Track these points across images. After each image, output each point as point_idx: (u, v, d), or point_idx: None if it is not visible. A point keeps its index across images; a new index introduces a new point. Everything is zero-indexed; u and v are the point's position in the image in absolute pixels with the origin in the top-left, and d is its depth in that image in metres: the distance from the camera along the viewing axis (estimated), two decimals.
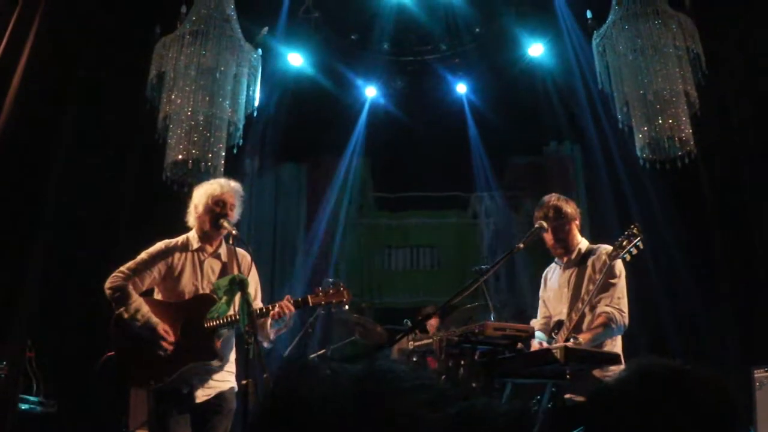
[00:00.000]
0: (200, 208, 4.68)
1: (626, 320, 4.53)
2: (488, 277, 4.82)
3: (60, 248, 7.18)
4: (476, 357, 4.21)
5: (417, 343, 4.60)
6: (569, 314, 4.56)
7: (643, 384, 1.56)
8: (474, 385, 4.13)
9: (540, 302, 5.13)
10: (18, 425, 6.46)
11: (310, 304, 4.70)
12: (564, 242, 4.83)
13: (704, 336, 7.76)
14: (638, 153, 6.86)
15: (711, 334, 7.71)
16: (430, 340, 4.40)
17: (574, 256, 4.84)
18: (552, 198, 4.91)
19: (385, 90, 10.51)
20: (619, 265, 4.64)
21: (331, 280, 6.94)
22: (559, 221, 4.79)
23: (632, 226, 4.54)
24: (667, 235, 8.06)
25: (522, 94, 10.12)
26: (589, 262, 4.71)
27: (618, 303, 4.54)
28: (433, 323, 7.79)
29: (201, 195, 4.72)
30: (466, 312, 7.17)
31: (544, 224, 4.76)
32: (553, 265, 5.10)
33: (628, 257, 4.54)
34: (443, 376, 4.19)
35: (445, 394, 0.97)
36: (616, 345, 4.59)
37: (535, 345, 4.63)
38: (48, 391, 6.88)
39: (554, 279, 5.00)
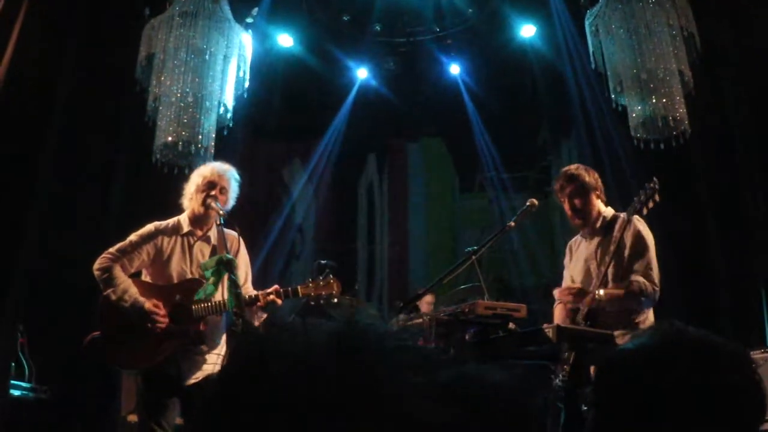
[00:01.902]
0: (192, 190, 4.66)
1: (657, 294, 4.41)
2: (480, 257, 4.73)
3: (51, 233, 7.13)
4: (467, 337, 4.18)
5: (407, 324, 4.58)
6: (596, 284, 4.44)
7: (671, 350, 1.47)
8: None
9: (565, 272, 5.02)
10: (10, 411, 6.44)
11: (300, 295, 4.67)
12: (580, 212, 4.68)
13: (699, 317, 7.73)
14: (632, 132, 6.83)
15: (706, 316, 7.68)
16: (421, 320, 4.37)
17: (598, 225, 4.69)
18: (569, 168, 4.81)
19: (376, 71, 10.43)
20: (648, 234, 4.55)
21: (324, 261, 6.94)
22: (574, 190, 4.66)
23: (653, 182, 4.47)
24: (660, 214, 8.01)
25: (515, 75, 10.08)
26: (616, 228, 4.52)
27: (650, 274, 4.42)
28: (428, 302, 7.76)
29: (194, 177, 4.72)
30: (459, 293, 7.14)
31: (535, 202, 4.71)
32: (578, 236, 4.96)
33: (645, 210, 4.46)
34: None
35: (432, 358, 0.89)
36: (648, 319, 4.49)
37: (559, 309, 4.64)
38: (40, 377, 6.86)
39: (580, 250, 4.87)
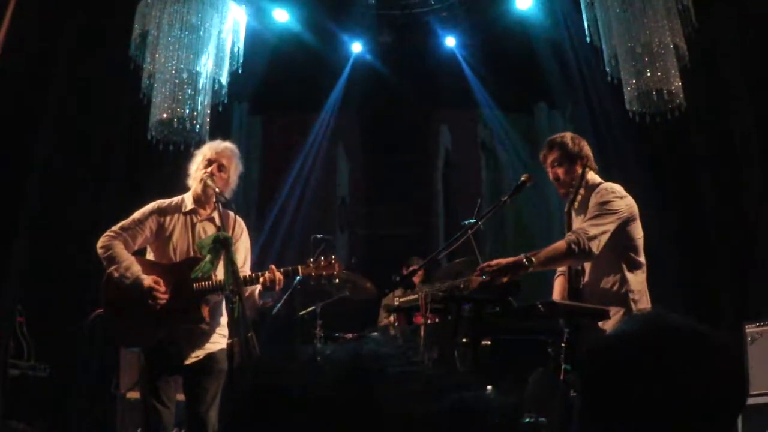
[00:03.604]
0: (193, 168, 4.67)
1: (593, 246, 4.14)
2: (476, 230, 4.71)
3: (50, 211, 7.15)
4: (462, 312, 4.19)
5: (402, 299, 4.59)
6: None
7: (653, 337, 1.48)
8: (464, 368, 4.06)
9: None
10: (9, 390, 6.49)
11: (300, 275, 4.67)
12: (562, 182, 4.52)
13: (697, 291, 7.78)
14: (627, 106, 6.83)
15: (703, 290, 7.73)
16: (416, 297, 4.39)
17: (578, 200, 4.44)
18: (553, 136, 4.66)
19: (371, 45, 10.38)
20: (609, 194, 4.35)
21: (321, 236, 6.94)
22: (556, 159, 4.51)
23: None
24: (656, 190, 8.03)
25: (511, 48, 10.03)
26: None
27: (587, 226, 4.21)
28: (418, 275, 7.78)
29: (197, 155, 4.72)
30: (454, 267, 7.14)
31: (529, 176, 4.63)
32: None
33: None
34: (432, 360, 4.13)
35: (434, 383, 0.92)
36: (643, 295, 4.38)
37: (558, 282, 4.61)
38: (39, 356, 6.90)
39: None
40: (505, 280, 4.16)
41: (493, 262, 4.19)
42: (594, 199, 4.36)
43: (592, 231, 4.18)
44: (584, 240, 4.14)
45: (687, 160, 8.04)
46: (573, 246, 4.14)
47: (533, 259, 4.16)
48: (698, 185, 7.94)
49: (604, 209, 4.29)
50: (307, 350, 0.99)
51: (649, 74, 6.56)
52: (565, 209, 4.58)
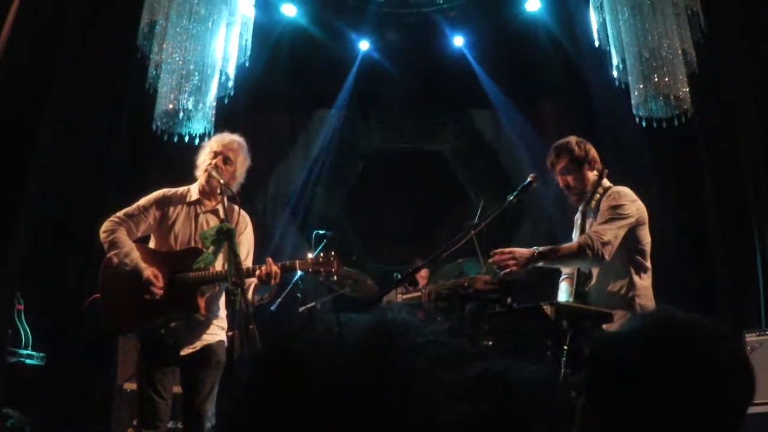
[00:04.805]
0: (200, 160, 4.65)
1: (606, 252, 4.14)
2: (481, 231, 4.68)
3: (50, 201, 7.12)
4: (466, 311, 4.18)
5: (405, 296, 4.56)
6: None
7: (662, 334, 1.47)
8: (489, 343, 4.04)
9: None
10: (7, 378, 6.47)
11: (298, 269, 4.60)
12: (573, 189, 4.53)
13: (696, 299, 7.75)
14: (634, 111, 6.81)
15: (703, 298, 7.70)
16: (419, 294, 4.36)
17: (593, 204, 4.49)
18: (559, 142, 4.63)
19: (379, 44, 10.37)
20: (622, 198, 4.35)
21: (323, 231, 6.92)
22: (564, 167, 4.50)
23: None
24: (660, 196, 8.01)
25: (519, 48, 10.03)
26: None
27: (602, 231, 4.21)
28: (423, 276, 7.77)
29: (205, 147, 4.71)
30: (457, 266, 7.14)
31: (536, 176, 4.61)
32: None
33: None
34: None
35: (461, 352, 0.88)
36: (649, 299, 4.37)
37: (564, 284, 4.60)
38: (37, 344, 6.89)
39: (578, 225, 4.70)
40: (514, 269, 4.13)
41: (506, 249, 4.19)
42: (606, 203, 4.35)
43: (607, 236, 4.18)
44: (598, 245, 4.14)
45: (692, 165, 8.01)
46: (587, 250, 4.15)
47: (544, 253, 4.17)
48: (701, 191, 7.91)
49: (617, 213, 4.29)
50: (325, 319, 0.94)
51: (656, 79, 6.54)
52: (581, 210, 4.60)
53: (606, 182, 4.57)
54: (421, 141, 11.39)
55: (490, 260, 4.23)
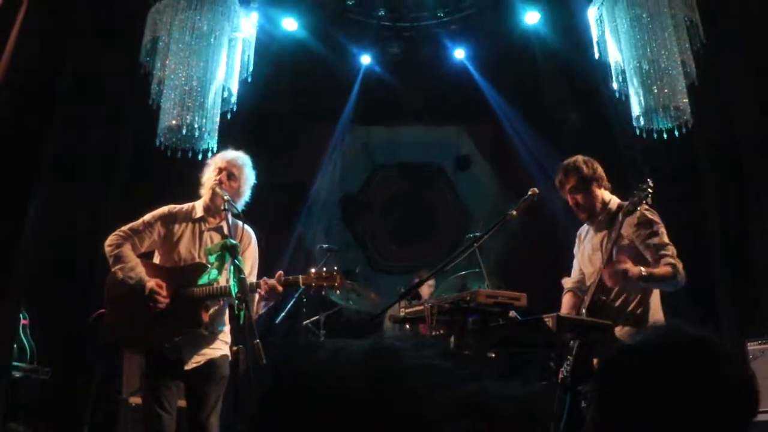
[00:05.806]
0: (205, 177, 4.69)
1: (682, 280, 4.35)
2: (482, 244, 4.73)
3: (54, 214, 7.14)
4: (468, 325, 4.20)
5: (408, 310, 4.57)
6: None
7: (670, 348, 1.51)
8: (485, 359, 4.08)
9: (574, 260, 4.99)
10: (11, 393, 6.48)
11: (301, 285, 4.63)
12: (583, 207, 4.67)
13: (698, 308, 7.75)
14: (633, 122, 6.83)
15: (705, 307, 7.70)
16: (422, 307, 4.38)
17: (602, 218, 4.67)
18: (567, 161, 4.76)
19: (380, 57, 10.39)
20: (656, 217, 4.51)
21: (327, 246, 6.95)
22: (574, 186, 4.63)
23: (647, 181, 4.44)
24: (661, 206, 8.00)
25: (518, 61, 10.06)
26: (619, 217, 4.47)
27: (672, 252, 4.38)
28: (428, 285, 7.78)
29: (209, 164, 4.74)
30: (459, 279, 7.15)
31: (536, 190, 4.66)
32: (586, 225, 4.91)
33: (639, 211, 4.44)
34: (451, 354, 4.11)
35: (452, 375, 0.94)
36: (658, 312, 4.50)
37: (567, 298, 4.68)
38: (42, 359, 6.90)
39: (588, 240, 4.84)
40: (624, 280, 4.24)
41: (625, 265, 4.27)
42: (644, 230, 4.46)
43: (680, 263, 4.34)
44: (682, 272, 4.31)
45: (692, 176, 8.02)
46: (679, 278, 4.31)
47: (646, 276, 4.25)
48: (701, 201, 7.92)
49: (661, 231, 4.48)
50: (326, 343, 1.01)
51: (656, 90, 6.56)
52: (591, 226, 4.76)
53: (614, 199, 4.71)
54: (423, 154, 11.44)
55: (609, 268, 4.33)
